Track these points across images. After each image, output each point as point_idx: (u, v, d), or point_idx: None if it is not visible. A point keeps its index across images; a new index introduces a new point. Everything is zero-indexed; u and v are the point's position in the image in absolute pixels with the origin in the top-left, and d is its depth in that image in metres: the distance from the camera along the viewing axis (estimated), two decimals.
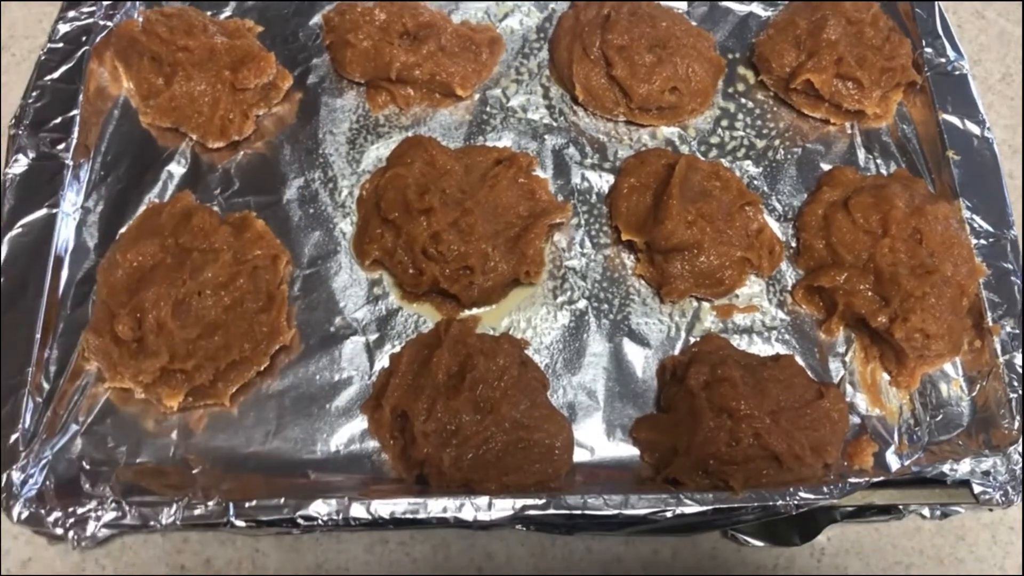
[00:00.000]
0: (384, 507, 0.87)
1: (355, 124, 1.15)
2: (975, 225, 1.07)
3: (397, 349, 1.00)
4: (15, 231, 1.02)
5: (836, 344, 1.04)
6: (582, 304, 1.05)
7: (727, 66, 1.20)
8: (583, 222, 1.10)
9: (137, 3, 1.21)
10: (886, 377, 1.02)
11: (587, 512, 0.87)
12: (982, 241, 1.06)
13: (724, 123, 1.18)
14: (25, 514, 0.88)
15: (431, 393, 0.93)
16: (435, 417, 0.91)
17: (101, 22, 1.17)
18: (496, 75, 1.19)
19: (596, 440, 0.98)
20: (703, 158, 1.13)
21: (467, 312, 1.04)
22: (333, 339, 1.02)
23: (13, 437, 0.91)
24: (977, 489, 0.92)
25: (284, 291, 1.02)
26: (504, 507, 0.87)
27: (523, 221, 1.05)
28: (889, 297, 0.99)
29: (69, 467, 0.93)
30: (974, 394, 1.01)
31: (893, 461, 0.97)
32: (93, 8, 1.17)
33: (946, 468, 0.93)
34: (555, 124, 1.17)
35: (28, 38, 1.22)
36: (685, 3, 1.26)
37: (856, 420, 0.99)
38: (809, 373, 0.99)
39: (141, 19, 1.13)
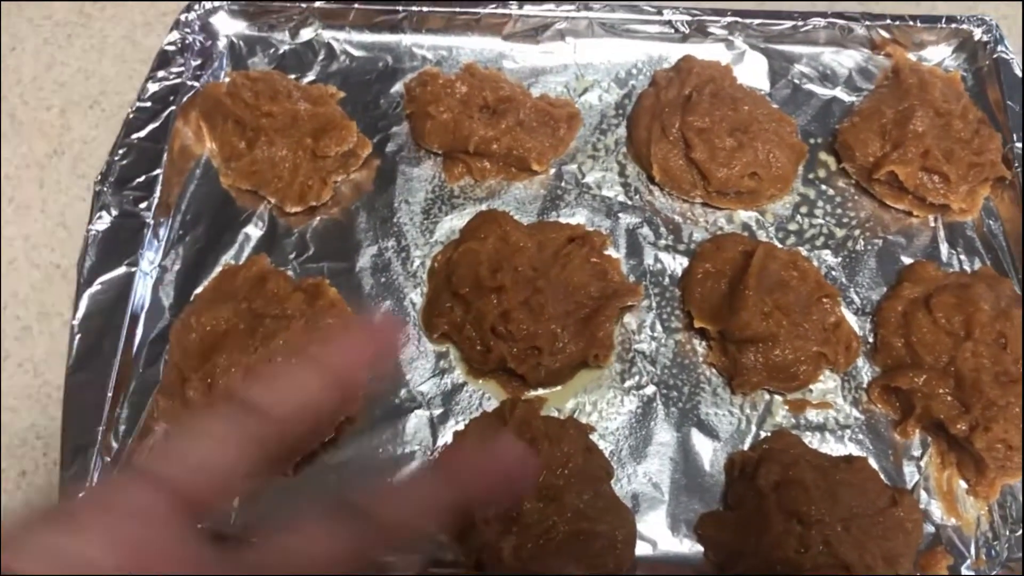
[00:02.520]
0: None
1: (430, 194, 1.16)
2: None
3: (461, 426, 1.00)
4: (94, 288, 1.04)
5: (911, 447, 1.00)
6: (650, 390, 1.03)
7: (808, 151, 1.18)
8: (654, 305, 1.09)
9: (225, 63, 1.24)
10: (963, 485, 0.98)
11: None
12: None
13: (803, 210, 1.16)
14: None
15: None
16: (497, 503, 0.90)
17: (189, 82, 1.19)
18: (572, 150, 1.19)
19: (659, 534, 0.95)
20: (780, 244, 1.11)
21: (533, 392, 1.03)
22: (398, 412, 1.01)
23: (81, 496, 0.92)
24: None
25: None
26: None
27: (594, 302, 1.04)
28: (970, 404, 0.96)
29: None
30: None
31: None
32: (182, 69, 1.19)
33: None
34: (630, 203, 1.16)
35: (118, 94, 1.25)
36: (768, 84, 1.25)
37: (930, 529, 0.95)
38: (883, 476, 0.96)
39: (228, 81, 1.15)
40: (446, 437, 1.00)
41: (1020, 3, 1.31)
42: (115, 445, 0.97)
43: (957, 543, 0.95)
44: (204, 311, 1.00)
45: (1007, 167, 1.14)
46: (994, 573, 0.93)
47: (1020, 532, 0.96)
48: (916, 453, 1.00)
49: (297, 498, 0.96)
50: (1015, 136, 1.16)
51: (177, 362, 0.98)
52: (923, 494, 0.98)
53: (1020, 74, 1.21)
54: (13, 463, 1.00)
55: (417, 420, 1.01)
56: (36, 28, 1.32)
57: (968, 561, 0.94)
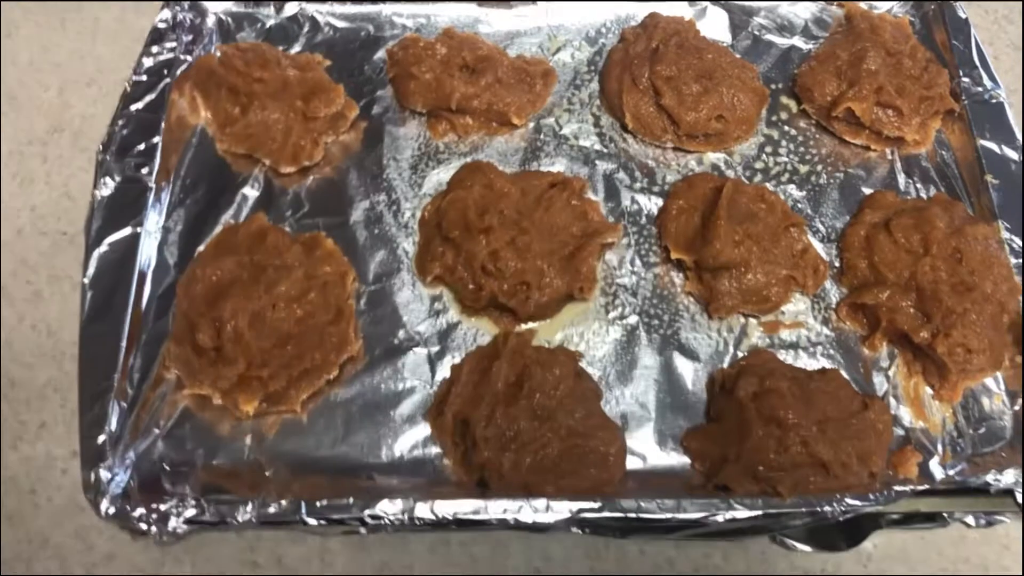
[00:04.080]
0: (447, 507, 0.92)
1: (417, 151, 1.22)
2: (1014, 246, 1.11)
3: (457, 360, 1.05)
4: (103, 248, 1.09)
5: (880, 359, 1.07)
6: (633, 319, 1.10)
7: (770, 96, 1.25)
8: (633, 242, 1.15)
9: (215, 39, 1.30)
10: (929, 391, 1.05)
11: (641, 515, 0.91)
12: (1021, 261, 1.10)
13: (768, 149, 1.23)
14: (112, 510, 0.93)
15: (490, 401, 0.97)
16: (495, 423, 0.96)
17: (182, 56, 1.25)
18: (549, 105, 1.26)
19: (648, 449, 1.02)
20: (748, 182, 1.19)
21: (523, 326, 1.09)
22: (397, 351, 1.07)
23: (101, 439, 0.97)
24: (1020, 498, 0.95)
25: (351, 305, 1.08)
26: (561, 510, 0.91)
27: (576, 241, 1.11)
28: (931, 313, 1.03)
29: (152, 468, 0.98)
30: (1016, 408, 1.03)
31: (937, 471, 0.99)
32: (175, 44, 1.25)
33: (990, 478, 0.96)
34: (606, 150, 1.23)
35: (113, 72, 1.30)
36: (730, 37, 1.32)
37: (900, 432, 1.02)
38: (854, 386, 1.03)
39: (219, 53, 1.21)
40: (444, 372, 1.05)
41: None
42: (130, 391, 1.02)
43: (925, 443, 1.02)
44: (208, 264, 1.05)
45: (955, 100, 1.21)
46: (960, 467, 1.00)
47: (983, 430, 1.03)
48: (884, 364, 1.07)
49: (306, 433, 1.01)
50: (960, 72, 1.24)
51: (185, 311, 1.03)
52: (892, 401, 1.05)
53: (963, 16, 1.29)
54: (32, 416, 1.05)
55: (415, 357, 1.07)
56: (29, 14, 1.38)
57: (936, 458, 1.01)
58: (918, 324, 1.04)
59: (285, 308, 1.03)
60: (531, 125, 1.24)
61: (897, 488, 0.93)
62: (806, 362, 1.07)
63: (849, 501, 0.91)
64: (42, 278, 1.14)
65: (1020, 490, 0.95)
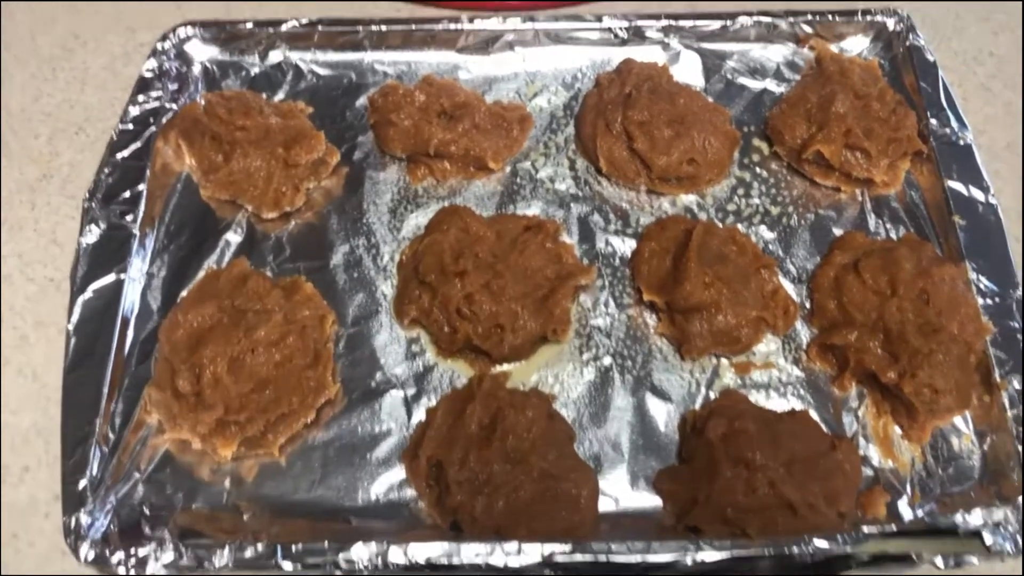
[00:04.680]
0: (420, 551, 0.93)
1: (396, 195, 1.25)
2: (981, 286, 1.12)
3: (433, 403, 1.07)
4: (87, 295, 1.11)
5: (849, 399, 1.09)
6: (607, 361, 1.11)
7: (742, 138, 1.28)
8: (607, 284, 1.17)
9: (201, 87, 1.34)
10: (898, 431, 1.06)
11: (611, 558, 0.92)
12: (988, 301, 1.11)
13: (740, 191, 1.25)
14: (92, 555, 0.95)
15: (464, 444, 0.99)
16: (468, 467, 0.97)
17: (167, 105, 1.28)
18: (526, 149, 1.29)
19: (621, 490, 1.03)
20: (720, 224, 1.21)
21: (498, 368, 1.11)
22: (374, 393, 1.09)
23: (82, 484, 0.99)
24: (988, 540, 0.95)
25: (330, 349, 1.10)
26: (532, 553, 0.92)
27: (550, 283, 1.13)
28: (898, 354, 1.04)
29: (132, 512, 1.00)
30: (984, 447, 1.05)
31: (906, 512, 1.01)
32: (160, 93, 1.28)
33: (958, 518, 0.96)
34: (580, 193, 1.25)
35: (101, 120, 1.34)
36: (703, 80, 1.35)
37: (869, 472, 1.03)
38: (823, 427, 1.04)
39: (203, 102, 1.24)
40: (420, 414, 1.07)
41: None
42: (112, 436, 1.04)
43: (894, 483, 1.03)
44: (190, 309, 1.07)
45: (923, 142, 1.24)
46: (928, 507, 1.01)
47: (952, 469, 1.04)
48: (854, 404, 1.09)
49: (284, 476, 1.03)
50: (928, 113, 1.27)
51: (167, 356, 1.06)
52: (862, 441, 1.06)
53: (931, 59, 1.32)
54: (16, 459, 1.07)
55: (392, 400, 1.09)
56: (22, 63, 1.42)
57: (905, 498, 1.02)
58: (885, 364, 1.05)
59: (264, 352, 1.05)
60: (508, 169, 1.27)
61: (866, 529, 0.94)
62: (777, 402, 1.09)
63: (817, 542, 0.92)
64: (28, 324, 1.17)
65: (988, 531, 0.96)
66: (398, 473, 1.03)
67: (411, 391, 1.09)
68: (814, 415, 1.05)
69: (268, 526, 0.99)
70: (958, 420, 1.07)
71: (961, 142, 1.24)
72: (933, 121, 1.26)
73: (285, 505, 1.02)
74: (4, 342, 1.15)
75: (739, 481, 0.96)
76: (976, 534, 0.96)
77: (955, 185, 1.20)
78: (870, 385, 1.09)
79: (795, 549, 0.92)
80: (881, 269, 1.10)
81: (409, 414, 1.08)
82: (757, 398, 1.09)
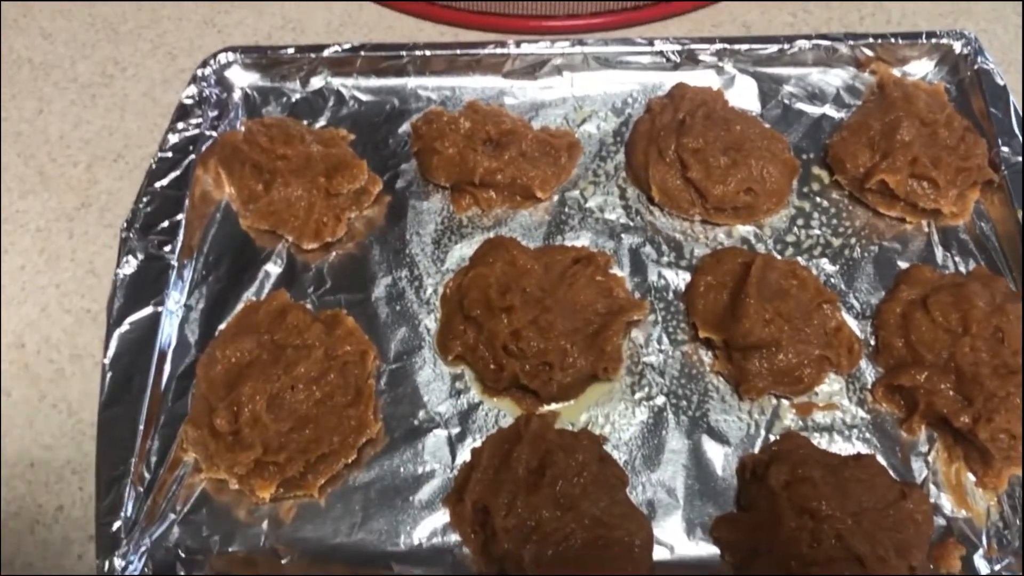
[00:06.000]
0: None
1: (440, 225, 1.21)
2: None
3: (478, 443, 1.03)
4: (123, 328, 1.09)
5: (918, 443, 1.03)
6: (660, 400, 1.06)
7: (801, 167, 1.23)
8: (660, 319, 1.12)
9: (241, 113, 1.31)
10: (972, 478, 1.00)
11: None
12: None
13: (800, 222, 1.20)
14: None
15: (511, 488, 0.95)
16: (515, 513, 0.93)
17: (207, 132, 1.26)
18: (574, 177, 1.25)
19: (676, 538, 0.98)
20: (779, 256, 1.15)
21: (546, 407, 1.06)
22: (417, 432, 1.05)
23: (116, 525, 0.96)
24: None
25: (371, 385, 1.06)
26: None
27: (601, 318, 1.08)
28: (972, 397, 0.99)
29: (167, 555, 0.97)
30: None
31: (982, 565, 0.95)
32: (200, 120, 1.26)
33: None
34: (632, 224, 1.20)
35: (140, 147, 1.32)
36: (759, 106, 1.30)
37: (941, 522, 0.97)
38: (891, 473, 0.98)
39: (243, 129, 1.21)
40: (464, 455, 1.03)
41: (998, 19, 1.36)
42: (147, 475, 1.01)
43: (969, 534, 0.97)
44: (228, 344, 1.04)
45: (994, 170, 1.18)
46: (1006, 561, 0.95)
47: None
48: (923, 449, 1.03)
49: (323, 518, 0.99)
50: (1000, 141, 1.20)
51: (204, 393, 1.03)
52: (932, 488, 1.00)
53: (1002, 83, 1.26)
54: (51, 498, 1.05)
55: (436, 439, 1.04)
56: (62, 91, 1.40)
57: (981, 551, 0.96)
58: (958, 408, 0.99)
59: (304, 390, 1.01)
60: (556, 198, 1.23)
61: None
62: (841, 446, 1.03)
63: None
64: (64, 356, 1.14)
65: None
66: (442, 517, 0.99)
67: (455, 430, 1.05)
68: (881, 460, 0.99)
69: (307, 571, 0.96)
70: None
71: None
72: (1004, 148, 1.20)
73: (324, 549, 0.98)
74: (41, 375, 1.13)
75: (804, 532, 0.91)
76: None
77: None
78: (941, 429, 1.03)
79: None
80: (952, 306, 1.04)
81: (453, 455, 1.03)
82: (820, 441, 1.03)
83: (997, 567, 0.94)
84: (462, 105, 1.25)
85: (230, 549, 0.98)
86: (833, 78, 1.32)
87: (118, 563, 0.94)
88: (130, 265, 1.13)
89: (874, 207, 1.19)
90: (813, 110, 1.30)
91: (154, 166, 1.21)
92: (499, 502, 0.94)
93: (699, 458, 1.03)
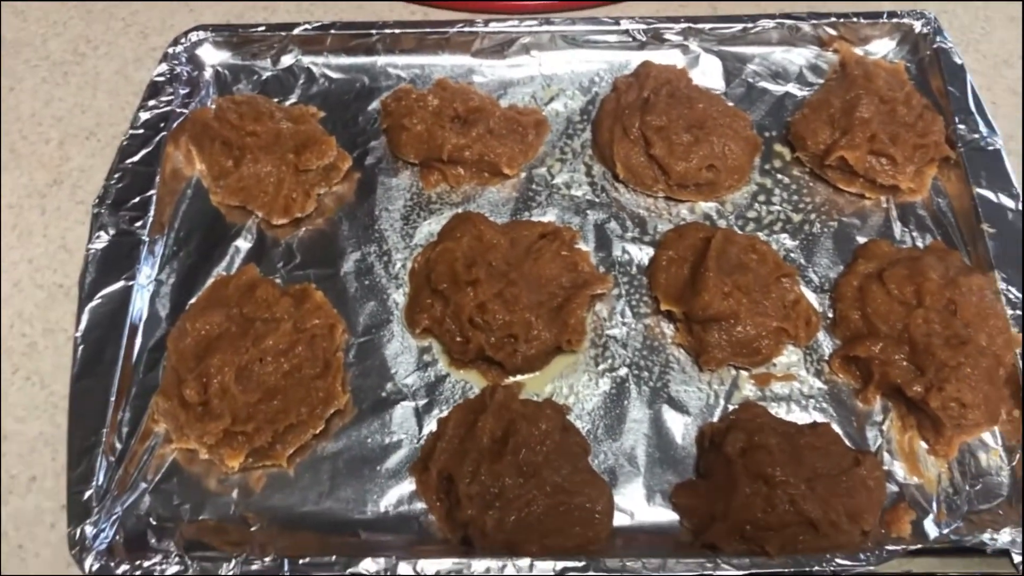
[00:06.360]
0: (430, 566, 0.91)
1: (409, 201, 1.23)
2: (1011, 296, 1.09)
3: (445, 414, 1.05)
4: (95, 302, 1.10)
5: (873, 413, 1.05)
6: (623, 372, 1.09)
7: (763, 144, 1.25)
8: (624, 293, 1.15)
9: (212, 91, 1.32)
10: (924, 446, 1.03)
11: (626, 575, 0.90)
12: (1018, 312, 1.08)
13: (761, 198, 1.22)
14: (96, 566, 0.93)
15: (476, 457, 0.97)
16: (479, 480, 0.95)
17: (178, 109, 1.26)
18: (541, 155, 1.26)
19: (636, 505, 1.00)
20: (740, 231, 1.18)
21: (512, 379, 1.08)
22: (384, 404, 1.07)
23: (87, 494, 0.97)
24: (1017, 559, 0.92)
25: (340, 358, 1.08)
26: (545, 569, 0.90)
27: (566, 292, 1.10)
28: (924, 367, 1.01)
29: (137, 523, 0.98)
30: (1013, 463, 1.01)
31: (932, 530, 0.97)
32: (171, 98, 1.27)
33: (986, 537, 0.93)
34: (597, 200, 1.22)
35: (112, 125, 1.33)
36: (723, 84, 1.32)
37: (894, 488, 1.00)
38: (846, 441, 1.01)
39: (214, 106, 1.23)
40: (431, 425, 1.05)
41: None
42: (119, 446, 1.02)
43: (920, 500, 1.00)
44: (198, 317, 1.06)
45: (951, 147, 1.20)
46: (955, 525, 0.97)
47: (980, 486, 1.00)
48: (878, 418, 1.05)
49: (292, 487, 1.01)
50: (956, 118, 1.23)
51: (174, 365, 1.04)
52: (886, 456, 1.03)
53: (959, 61, 1.28)
54: (23, 469, 1.06)
55: (403, 411, 1.07)
56: (33, 68, 1.41)
57: (931, 516, 0.99)
58: (911, 378, 1.02)
59: (272, 362, 1.03)
60: (523, 175, 1.25)
61: (889, 548, 0.91)
62: (798, 415, 1.06)
63: (839, 561, 0.89)
64: (37, 330, 1.16)
65: (1017, 550, 0.93)
66: (408, 486, 1.01)
67: (422, 402, 1.07)
68: (836, 429, 1.02)
69: (275, 538, 0.98)
70: (986, 435, 1.03)
71: (990, 147, 1.20)
72: (961, 126, 1.22)
73: (293, 517, 1.00)
74: (14, 349, 1.14)
75: (759, 498, 0.94)
76: (1004, 553, 0.93)
77: (984, 192, 1.17)
78: (895, 398, 1.06)
79: (816, 568, 0.89)
80: (907, 279, 1.07)
81: (420, 425, 1.05)
82: (777, 411, 1.05)
83: (946, 531, 0.97)
84: (431, 83, 1.27)
85: (200, 517, 0.99)
86: (796, 57, 1.34)
87: (89, 531, 0.95)
88: (101, 240, 1.15)
89: (834, 183, 1.21)
90: (776, 88, 1.32)
91: (126, 143, 1.22)
92: (463, 470, 0.96)
93: (660, 427, 1.05)
